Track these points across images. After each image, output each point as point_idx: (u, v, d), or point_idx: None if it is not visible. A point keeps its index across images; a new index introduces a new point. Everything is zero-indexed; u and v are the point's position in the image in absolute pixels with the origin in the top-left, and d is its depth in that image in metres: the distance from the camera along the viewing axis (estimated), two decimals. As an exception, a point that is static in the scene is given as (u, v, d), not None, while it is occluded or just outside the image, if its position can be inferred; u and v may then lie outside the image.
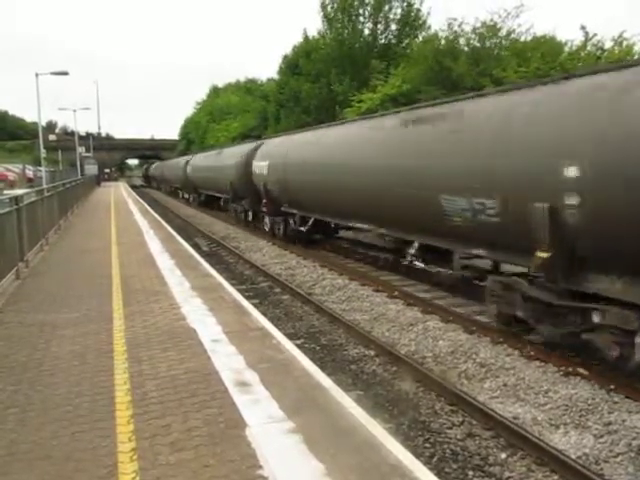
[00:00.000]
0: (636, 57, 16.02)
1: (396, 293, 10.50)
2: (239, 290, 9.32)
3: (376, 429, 4.11)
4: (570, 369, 6.63)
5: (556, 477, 4.73)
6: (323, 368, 5.91)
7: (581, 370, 6.57)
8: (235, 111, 49.87)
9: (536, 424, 5.56)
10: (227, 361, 5.43)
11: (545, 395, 6.12)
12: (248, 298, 8.98)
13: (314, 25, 68.60)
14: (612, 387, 6.11)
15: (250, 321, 6.91)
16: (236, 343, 5.98)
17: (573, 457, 4.87)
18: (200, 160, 31.65)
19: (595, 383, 6.28)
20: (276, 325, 7.26)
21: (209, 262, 11.75)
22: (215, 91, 68.62)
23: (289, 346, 5.93)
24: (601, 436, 5.25)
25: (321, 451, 3.72)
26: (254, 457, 3.67)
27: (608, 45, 16.74)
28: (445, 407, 6.08)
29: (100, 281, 9.24)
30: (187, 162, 35.46)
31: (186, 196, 38.70)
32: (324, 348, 8.13)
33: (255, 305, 8.58)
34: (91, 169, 51.09)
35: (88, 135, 69.64)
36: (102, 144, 71.19)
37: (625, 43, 16.25)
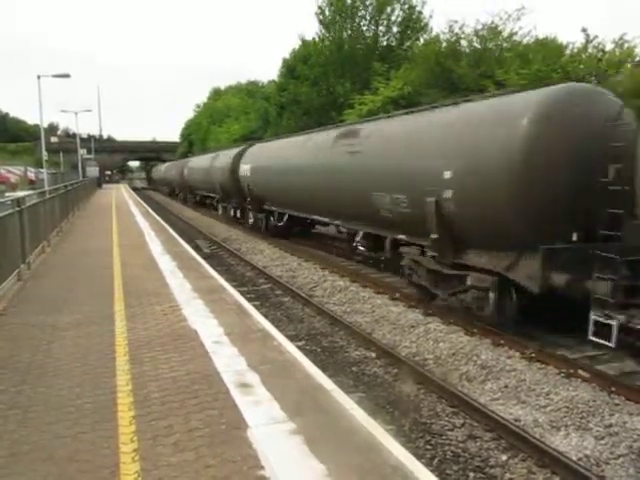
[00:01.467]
0: (637, 59, 16.03)
1: (397, 295, 10.50)
2: (240, 292, 9.34)
3: (377, 430, 4.12)
4: (571, 371, 6.63)
5: (557, 479, 4.74)
6: (324, 370, 5.92)
7: (582, 372, 6.58)
8: (235, 113, 50.01)
9: (537, 426, 5.56)
10: (229, 362, 5.45)
11: (546, 397, 6.13)
12: (249, 300, 9.01)
13: (313, 27, 68.72)
14: (613, 389, 6.12)
15: (251, 323, 6.92)
16: (238, 345, 5.99)
17: (574, 459, 4.87)
18: (274, 155, 17.98)
19: (596, 385, 6.29)
20: (277, 327, 7.28)
21: (210, 264, 11.77)
22: (217, 93, 68.81)
23: (290, 348, 5.94)
24: (602, 438, 5.26)
25: (322, 452, 3.73)
26: (255, 458, 3.68)
27: (609, 47, 16.79)
28: (446, 409, 6.09)
29: (102, 283, 9.26)
30: (239, 158, 21.92)
31: (236, 215, 23.65)
32: (325, 350, 8.13)
33: (256, 307, 8.60)
34: (92, 171, 51.20)
35: (90, 137, 69.79)
36: (103, 146, 71.37)
37: (626, 45, 16.27)
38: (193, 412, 4.37)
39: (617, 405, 5.85)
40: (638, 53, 16.08)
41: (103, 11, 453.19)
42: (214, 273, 10.30)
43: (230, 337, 6.27)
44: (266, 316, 8.01)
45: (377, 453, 3.76)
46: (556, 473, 4.77)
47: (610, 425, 5.45)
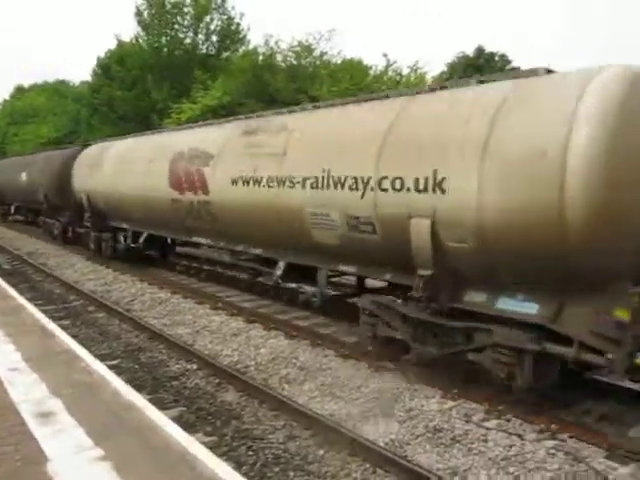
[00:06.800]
0: (429, 84, 18.27)
1: (220, 304, 10.45)
2: (45, 311, 8.50)
3: (193, 445, 4.04)
4: (379, 364, 7.22)
5: (368, 465, 5.11)
6: (141, 387, 5.68)
7: (389, 364, 7.20)
8: (43, 114, 45.46)
9: (350, 418, 5.94)
10: (26, 391, 4.91)
11: (358, 390, 6.58)
12: (56, 319, 8.25)
13: (130, 29, 65.63)
14: (413, 377, 6.80)
15: (56, 344, 6.33)
16: (38, 370, 5.42)
17: (381, 444, 5.30)
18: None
19: (401, 374, 6.92)
20: (88, 346, 6.79)
21: (9, 282, 10.49)
22: (20, 91, 61.94)
23: (99, 367, 5.55)
24: (404, 422, 5.81)
25: (132, 474, 3.55)
26: (55, 493, 3.37)
27: (405, 72, 18.98)
28: (267, 413, 6.19)
29: None
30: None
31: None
32: (144, 366, 7.74)
33: (64, 327, 7.91)
34: None
35: None
36: None
37: (419, 71, 18.56)
38: (-20, 452, 3.85)
39: (416, 391, 6.51)
40: (428, 79, 18.39)
41: None
42: (13, 292, 9.21)
43: (29, 363, 5.65)
44: (76, 336, 7.43)
45: (191, 468, 3.68)
46: (367, 460, 5.14)
47: (410, 409, 6.05)
